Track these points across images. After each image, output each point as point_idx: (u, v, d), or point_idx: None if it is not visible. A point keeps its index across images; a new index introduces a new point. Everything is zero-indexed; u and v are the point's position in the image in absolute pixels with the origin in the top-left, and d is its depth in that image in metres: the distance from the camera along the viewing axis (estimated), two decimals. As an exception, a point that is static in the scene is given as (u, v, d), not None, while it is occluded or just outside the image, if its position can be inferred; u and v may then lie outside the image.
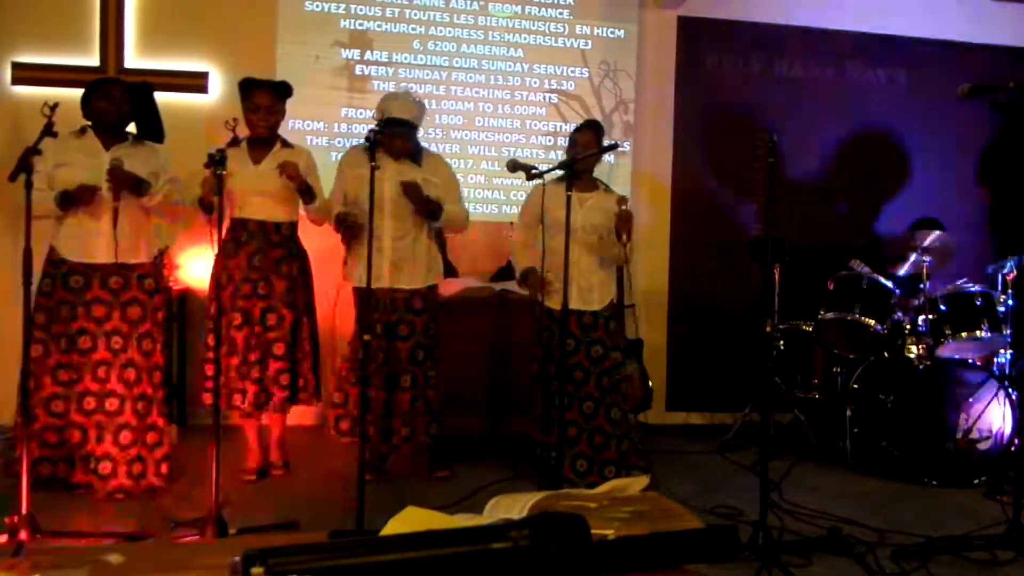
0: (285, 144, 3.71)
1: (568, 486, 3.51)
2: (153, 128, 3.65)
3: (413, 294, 3.73)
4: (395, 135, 3.65)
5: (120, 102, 3.47)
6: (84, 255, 3.40)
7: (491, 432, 4.44)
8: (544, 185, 3.45)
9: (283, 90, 3.69)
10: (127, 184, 3.33)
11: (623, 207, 3.47)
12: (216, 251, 3.11)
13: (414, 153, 3.76)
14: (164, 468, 3.51)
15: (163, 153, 3.58)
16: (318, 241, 4.05)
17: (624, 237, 3.46)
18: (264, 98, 3.61)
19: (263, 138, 3.65)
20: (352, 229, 3.62)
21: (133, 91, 3.56)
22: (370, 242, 3.03)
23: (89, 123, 3.48)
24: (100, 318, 3.39)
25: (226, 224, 3.53)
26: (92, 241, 3.39)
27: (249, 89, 3.63)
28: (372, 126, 3.09)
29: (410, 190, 3.61)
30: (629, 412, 3.77)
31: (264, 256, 3.60)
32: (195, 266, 4.48)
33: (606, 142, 3.85)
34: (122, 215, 3.37)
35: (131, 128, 3.60)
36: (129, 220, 3.41)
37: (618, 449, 3.63)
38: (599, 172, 3.88)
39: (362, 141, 3.24)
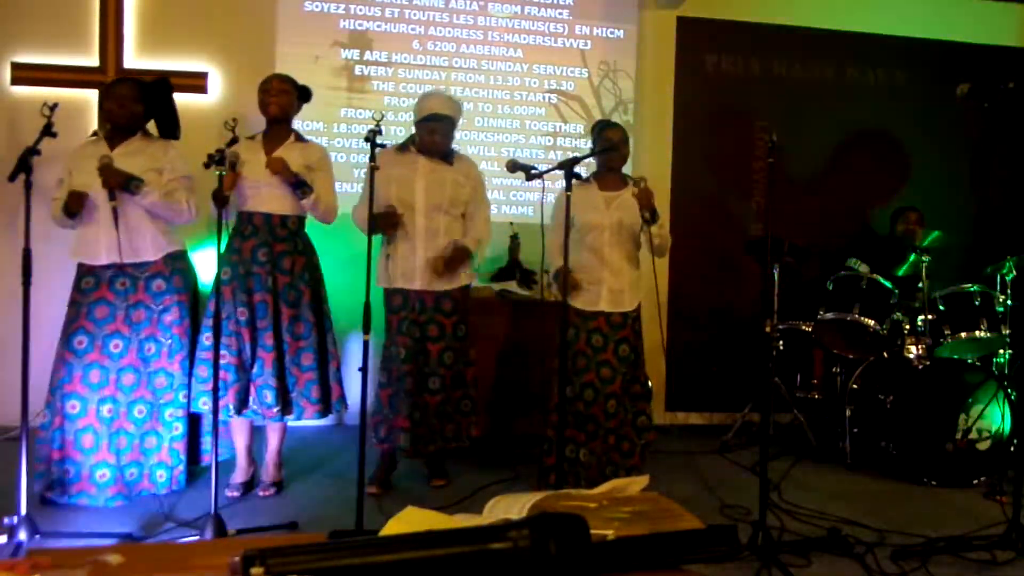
0: (300, 139, 3.67)
1: (572, 479, 3.48)
2: (169, 124, 3.62)
3: (442, 296, 3.67)
4: (435, 130, 3.64)
5: (129, 102, 3.44)
6: (89, 257, 3.39)
7: (494, 433, 4.44)
8: (574, 188, 3.40)
9: (296, 82, 3.69)
10: (117, 182, 3.28)
11: (641, 185, 3.42)
12: (222, 249, 3.10)
13: (446, 153, 3.73)
14: (164, 473, 3.45)
15: (176, 150, 3.54)
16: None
17: (647, 215, 3.42)
18: (275, 81, 3.64)
19: (276, 119, 3.60)
20: (388, 225, 3.56)
21: (148, 89, 3.55)
22: (369, 243, 3.03)
23: (104, 129, 3.47)
24: (100, 319, 3.35)
25: (232, 221, 3.51)
26: (95, 242, 3.38)
27: (265, 80, 3.68)
28: (371, 126, 3.06)
29: (449, 264, 3.61)
30: (637, 413, 3.72)
31: (269, 250, 3.50)
32: (202, 263, 4.46)
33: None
34: (122, 214, 3.31)
35: (151, 126, 3.58)
36: (130, 219, 3.37)
37: (620, 451, 3.61)
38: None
39: (390, 144, 3.16)
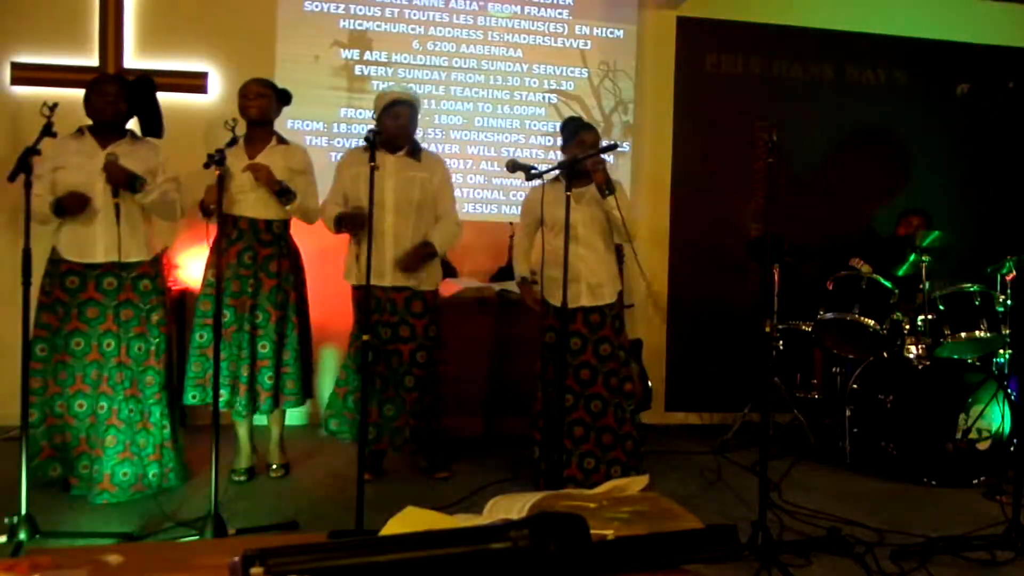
0: (281, 141, 3.72)
1: (573, 485, 3.51)
2: (153, 123, 3.63)
3: (413, 297, 3.72)
4: (400, 115, 3.68)
5: (116, 99, 3.45)
6: (82, 255, 3.38)
7: (490, 432, 4.44)
8: (542, 186, 3.47)
9: (275, 85, 3.74)
10: (122, 180, 3.31)
11: (595, 163, 3.46)
12: (209, 252, 3.12)
13: (413, 148, 3.76)
14: (156, 472, 3.47)
15: (162, 153, 3.56)
16: (315, 240, 4.05)
17: (605, 190, 3.46)
18: (254, 85, 3.68)
19: (256, 122, 3.65)
20: (355, 226, 3.61)
21: (132, 86, 3.55)
22: (369, 241, 3.04)
23: (88, 124, 3.47)
24: (92, 319, 3.37)
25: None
26: (89, 242, 3.38)
27: (243, 85, 3.71)
28: (372, 126, 3.08)
29: (412, 259, 3.65)
30: (633, 412, 3.77)
31: (254, 254, 3.60)
32: (194, 266, 4.48)
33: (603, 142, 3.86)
34: (122, 213, 3.33)
35: (134, 125, 3.58)
36: (128, 218, 3.38)
37: (623, 449, 3.63)
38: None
39: (361, 142, 3.23)
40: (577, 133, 3.71)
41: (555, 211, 3.56)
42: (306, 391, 3.81)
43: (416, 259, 3.68)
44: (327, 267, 4.13)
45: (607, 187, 3.47)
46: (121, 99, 3.47)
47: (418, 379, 3.72)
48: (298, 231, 3.85)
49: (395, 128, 3.68)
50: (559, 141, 5.07)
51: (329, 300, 4.20)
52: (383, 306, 3.70)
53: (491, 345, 4.46)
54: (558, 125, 5.09)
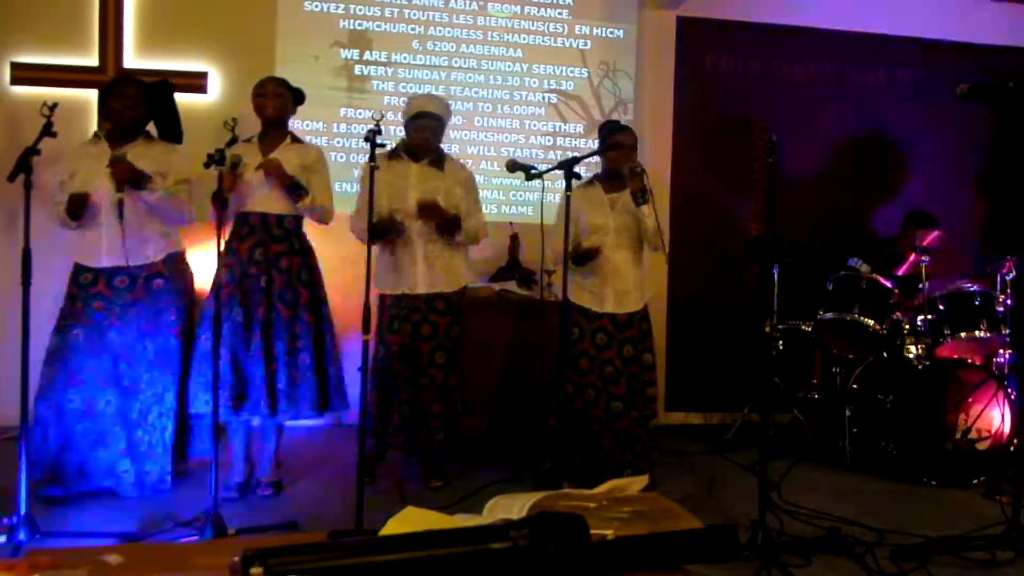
0: (296, 140, 3.68)
1: (580, 484, 3.48)
2: (171, 128, 3.63)
3: (435, 297, 3.68)
4: (424, 128, 3.67)
5: (135, 103, 3.46)
6: (91, 258, 3.39)
7: (493, 433, 4.43)
8: (578, 190, 3.40)
9: (290, 85, 3.71)
10: (127, 175, 3.29)
11: (637, 170, 3.40)
12: (221, 250, 3.10)
13: (437, 156, 3.75)
14: (155, 471, 3.46)
15: (179, 154, 3.55)
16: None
17: (639, 198, 3.41)
18: (271, 85, 3.65)
19: (272, 122, 3.61)
20: (387, 232, 3.59)
21: (151, 91, 3.55)
22: (369, 246, 3.04)
23: (104, 129, 3.49)
24: (97, 312, 3.36)
25: (229, 225, 3.52)
26: (96, 245, 3.38)
27: (259, 83, 3.67)
28: (371, 126, 3.06)
29: (426, 211, 3.61)
30: (648, 415, 3.73)
31: (265, 250, 3.50)
32: (197, 265, 4.46)
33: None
34: (126, 213, 3.30)
35: (150, 128, 3.59)
36: (134, 220, 3.37)
37: (634, 452, 3.61)
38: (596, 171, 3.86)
39: (382, 148, 3.18)
40: (612, 134, 3.65)
41: (592, 216, 3.55)
42: (328, 401, 3.59)
43: (435, 211, 3.59)
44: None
45: (641, 196, 3.43)
46: (140, 102, 3.48)
47: (434, 380, 3.66)
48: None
49: (418, 140, 3.69)
50: (559, 141, 5.11)
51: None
52: (406, 306, 3.67)
53: (493, 345, 4.45)
54: (558, 125, 5.12)
